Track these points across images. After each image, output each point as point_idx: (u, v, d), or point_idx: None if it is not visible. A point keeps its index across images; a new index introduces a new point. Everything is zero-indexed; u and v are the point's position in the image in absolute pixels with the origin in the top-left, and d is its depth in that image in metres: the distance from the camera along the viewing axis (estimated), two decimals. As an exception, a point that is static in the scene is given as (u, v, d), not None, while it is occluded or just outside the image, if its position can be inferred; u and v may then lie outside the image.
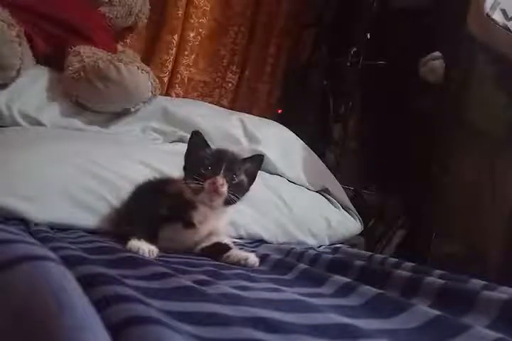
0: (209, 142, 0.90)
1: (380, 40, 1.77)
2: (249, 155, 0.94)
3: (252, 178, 0.90)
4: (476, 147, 1.38)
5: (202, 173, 0.83)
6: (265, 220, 1.22)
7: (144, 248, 0.78)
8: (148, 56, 1.75)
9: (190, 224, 0.87)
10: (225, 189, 0.83)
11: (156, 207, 0.86)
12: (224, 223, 0.95)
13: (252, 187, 0.91)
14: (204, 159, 0.85)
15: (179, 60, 1.78)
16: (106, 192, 1.03)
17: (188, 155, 0.89)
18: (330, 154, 1.90)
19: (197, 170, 0.84)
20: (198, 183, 0.83)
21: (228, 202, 0.86)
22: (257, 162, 0.92)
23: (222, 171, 0.83)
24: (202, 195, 0.84)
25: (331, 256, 0.96)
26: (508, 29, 1.24)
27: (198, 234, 0.89)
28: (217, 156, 0.86)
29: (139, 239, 0.80)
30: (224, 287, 0.60)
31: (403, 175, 1.64)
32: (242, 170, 0.87)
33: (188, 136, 1.36)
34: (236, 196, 0.85)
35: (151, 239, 0.81)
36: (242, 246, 1.04)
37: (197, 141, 0.89)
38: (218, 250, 0.88)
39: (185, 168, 0.89)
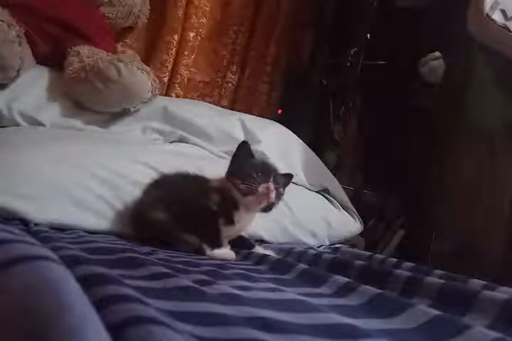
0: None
1: (380, 40, 1.78)
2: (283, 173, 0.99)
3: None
4: (475, 147, 1.38)
5: (253, 177, 0.88)
6: (265, 220, 1.22)
7: (226, 253, 0.87)
8: (148, 56, 1.76)
9: (231, 222, 0.91)
10: (274, 195, 0.89)
11: (207, 201, 0.90)
12: (251, 223, 1.02)
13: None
14: (255, 165, 0.90)
15: (179, 60, 1.78)
16: (106, 192, 1.03)
17: (235, 160, 0.94)
18: (330, 154, 1.90)
19: (248, 174, 0.88)
20: (249, 186, 0.88)
21: (265, 208, 0.93)
22: (287, 180, 0.99)
23: (272, 179, 0.89)
24: (250, 197, 0.89)
25: (331, 256, 0.96)
26: (508, 29, 1.25)
27: (233, 231, 0.94)
28: (266, 166, 0.92)
29: (212, 247, 0.86)
30: (224, 287, 0.60)
31: (403, 175, 1.64)
32: (282, 184, 0.94)
33: (188, 136, 1.39)
34: (273, 205, 0.92)
35: (218, 240, 0.89)
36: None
37: (245, 150, 0.94)
38: (243, 244, 0.97)
39: (231, 171, 0.93)
